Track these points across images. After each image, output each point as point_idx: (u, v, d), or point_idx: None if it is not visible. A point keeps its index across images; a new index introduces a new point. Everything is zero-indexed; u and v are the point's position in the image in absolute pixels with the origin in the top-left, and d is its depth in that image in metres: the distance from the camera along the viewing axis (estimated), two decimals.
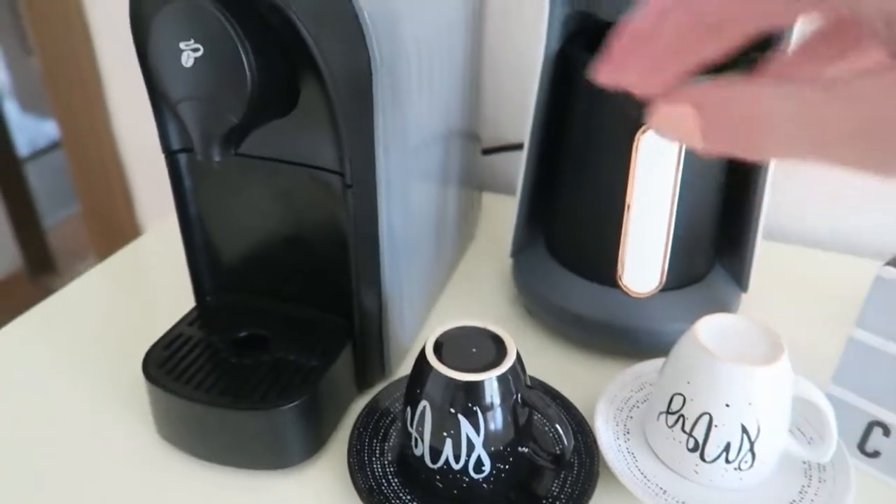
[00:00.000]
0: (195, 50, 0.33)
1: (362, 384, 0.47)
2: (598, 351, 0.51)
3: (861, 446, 0.42)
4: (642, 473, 0.40)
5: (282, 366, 0.42)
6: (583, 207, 0.48)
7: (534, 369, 0.42)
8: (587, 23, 0.49)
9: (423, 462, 0.38)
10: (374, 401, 0.44)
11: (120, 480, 0.41)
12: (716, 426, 0.37)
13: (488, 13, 0.70)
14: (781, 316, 0.54)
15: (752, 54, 0.43)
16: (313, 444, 0.42)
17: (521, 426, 0.38)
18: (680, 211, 0.43)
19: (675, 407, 0.39)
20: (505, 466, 0.37)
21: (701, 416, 0.38)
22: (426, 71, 0.44)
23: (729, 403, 0.37)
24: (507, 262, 0.61)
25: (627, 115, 0.41)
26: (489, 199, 0.73)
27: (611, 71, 0.19)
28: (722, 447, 0.37)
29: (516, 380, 0.37)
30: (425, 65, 0.44)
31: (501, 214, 0.71)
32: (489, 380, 0.36)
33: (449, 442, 0.36)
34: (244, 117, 0.34)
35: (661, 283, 0.45)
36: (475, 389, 0.36)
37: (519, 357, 0.38)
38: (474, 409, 0.36)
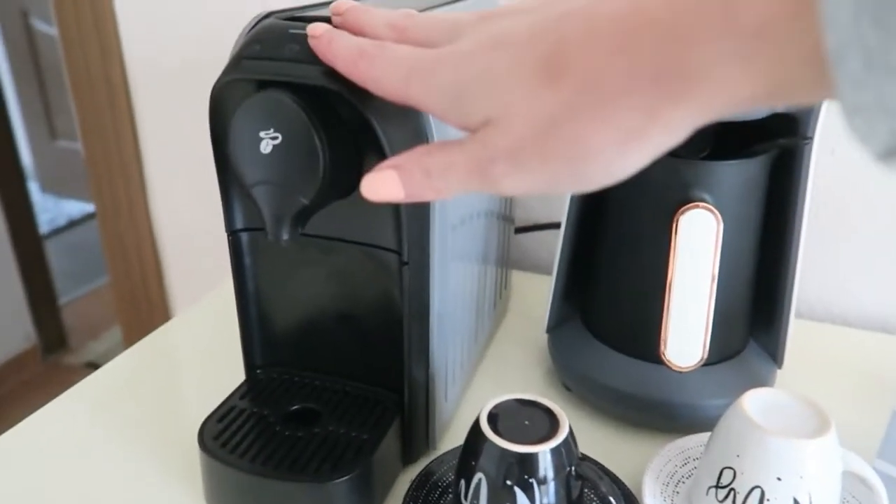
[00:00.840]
0: (274, 138, 0.35)
1: (408, 458, 0.47)
2: (637, 425, 0.52)
3: None
4: None
5: (333, 439, 0.43)
6: (623, 284, 0.50)
7: None
8: None
9: None
10: (424, 474, 0.44)
11: None
12: (768, 500, 0.38)
13: None
14: (816, 392, 0.54)
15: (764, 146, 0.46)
16: None
17: (574, 499, 0.38)
18: (718, 285, 0.45)
19: (725, 481, 0.39)
20: None
21: (752, 489, 0.38)
22: None
23: (780, 477, 0.37)
24: (540, 337, 0.62)
25: (666, 194, 0.44)
26: (517, 277, 0.75)
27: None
28: None
29: (569, 453, 0.38)
30: None
31: (530, 291, 0.72)
32: (544, 452, 0.37)
33: None
34: (314, 199, 0.36)
35: (703, 357, 0.46)
36: (531, 461, 0.37)
37: (571, 430, 0.39)
38: (530, 481, 0.37)
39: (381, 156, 0.37)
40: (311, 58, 0.35)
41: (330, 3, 0.45)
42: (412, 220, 0.40)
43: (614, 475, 0.45)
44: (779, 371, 0.53)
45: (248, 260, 0.45)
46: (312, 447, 0.42)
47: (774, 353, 0.52)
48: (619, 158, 0.24)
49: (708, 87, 0.21)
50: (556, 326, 0.57)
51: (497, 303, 0.63)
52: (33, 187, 2.85)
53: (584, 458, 0.45)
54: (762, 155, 0.46)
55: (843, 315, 0.70)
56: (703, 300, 0.44)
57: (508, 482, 0.37)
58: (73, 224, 2.97)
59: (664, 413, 0.48)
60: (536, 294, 0.72)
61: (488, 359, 0.61)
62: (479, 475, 0.38)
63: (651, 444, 0.50)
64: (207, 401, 0.47)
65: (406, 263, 0.41)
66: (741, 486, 0.39)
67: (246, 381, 0.48)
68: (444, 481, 0.44)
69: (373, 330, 0.46)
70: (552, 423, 0.39)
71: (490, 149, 0.26)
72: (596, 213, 0.52)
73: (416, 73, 0.28)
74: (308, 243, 0.44)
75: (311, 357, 0.49)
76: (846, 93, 0.17)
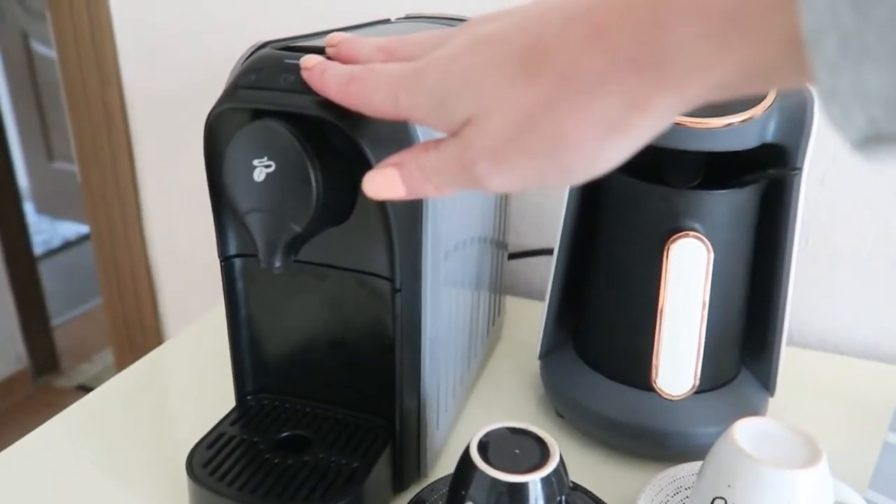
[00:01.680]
0: (267, 166, 0.36)
1: (399, 486, 0.47)
2: (629, 454, 0.51)
3: None
4: None
5: (323, 467, 0.43)
6: (614, 312, 0.50)
7: None
8: None
9: None
10: (415, 502, 0.44)
11: None
12: None
13: None
14: (809, 420, 0.55)
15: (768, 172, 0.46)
16: None
17: None
18: (709, 314, 0.45)
19: None
20: None
21: None
22: None
23: None
24: (533, 364, 0.62)
25: (657, 223, 0.44)
26: (511, 303, 0.75)
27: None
28: None
29: (560, 482, 0.38)
30: None
31: (523, 318, 0.72)
32: (534, 481, 0.37)
33: None
34: (306, 227, 0.37)
35: (694, 386, 0.46)
36: (521, 491, 0.37)
37: (562, 459, 0.39)
38: None
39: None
40: (306, 88, 0.36)
41: (324, 32, 0.46)
42: (404, 246, 0.40)
43: None
44: (771, 399, 0.53)
45: (240, 286, 0.46)
46: (302, 475, 0.42)
47: (766, 382, 0.52)
48: (602, 150, 0.24)
49: (685, 73, 0.21)
50: (549, 353, 0.57)
51: (490, 329, 0.63)
52: (29, 208, 2.85)
53: (576, 486, 0.45)
54: (752, 185, 0.47)
55: (836, 343, 0.70)
56: (694, 328, 0.44)
57: None
58: (67, 245, 2.97)
59: (656, 441, 0.48)
60: (530, 320, 0.72)
61: (481, 385, 0.61)
62: None
63: (643, 473, 0.49)
64: (198, 426, 0.47)
65: (398, 290, 0.41)
66: None
67: (236, 407, 0.48)
68: None
69: (364, 357, 0.46)
70: (543, 452, 0.39)
71: (471, 148, 0.26)
72: (588, 240, 0.52)
73: (402, 85, 0.28)
74: (300, 270, 0.44)
75: (302, 384, 0.48)
76: (822, 77, 0.17)
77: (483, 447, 0.39)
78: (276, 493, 0.41)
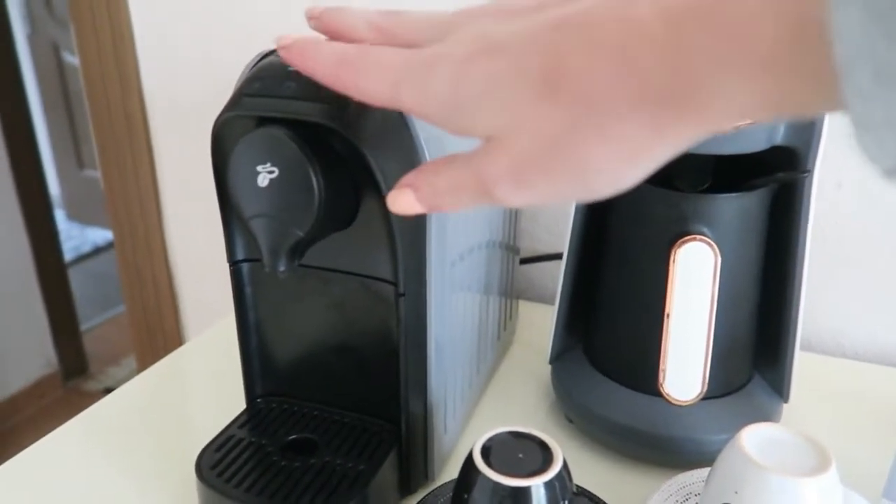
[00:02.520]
0: (270, 172, 0.36)
1: (405, 489, 0.47)
2: (638, 459, 0.51)
3: None
4: None
5: (329, 469, 0.43)
6: (622, 316, 0.50)
7: (574, 477, 0.42)
8: None
9: None
10: None
11: None
12: None
13: None
14: (822, 427, 0.54)
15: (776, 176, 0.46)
16: None
17: None
18: (719, 319, 0.45)
19: None
20: None
21: None
22: None
23: None
24: (545, 368, 0.62)
25: (665, 227, 0.44)
26: (524, 307, 0.75)
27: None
28: None
29: (563, 487, 0.38)
30: None
31: (536, 322, 0.72)
32: (537, 485, 0.37)
33: None
34: (309, 232, 0.37)
35: (702, 391, 0.45)
36: (523, 495, 0.37)
37: (565, 464, 0.38)
38: None
39: (377, 189, 0.38)
40: (309, 95, 0.36)
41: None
42: (408, 251, 0.40)
43: None
44: (785, 405, 0.52)
45: (248, 290, 0.46)
46: (308, 478, 0.42)
47: (780, 387, 0.51)
48: (627, 172, 0.24)
49: (715, 105, 0.21)
50: (559, 357, 0.56)
51: (501, 333, 0.63)
52: (59, 215, 2.91)
53: (582, 491, 0.44)
54: (761, 188, 0.46)
55: (854, 348, 0.69)
56: (702, 333, 0.44)
57: None
58: (97, 251, 3.03)
59: (666, 447, 0.48)
60: (543, 324, 0.72)
61: (492, 389, 0.61)
62: None
63: (652, 479, 0.49)
64: (210, 428, 0.47)
65: (402, 294, 0.41)
66: None
67: (245, 410, 0.49)
68: None
69: (370, 360, 0.46)
70: (546, 456, 0.39)
71: (494, 168, 0.26)
72: (597, 245, 0.52)
73: (406, 79, 0.27)
74: (306, 274, 0.44)
75: (310, 387, 0.49)
76: (855, 107, 0.17)
77: (486, 451, 0.39)
78: (283, 495, 0.41)
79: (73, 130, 2.99)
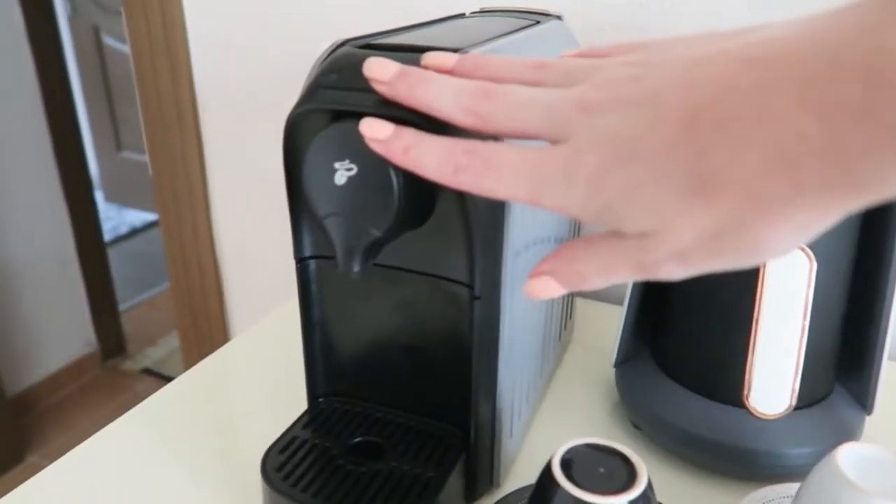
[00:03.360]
0: (349, 169, 0.35)
1: (471, 496, 0.46)
2: (712, 471, 0.49)
3: None
4: None
5: (398, 476, 0.42)
6: (702, 322, 0.47)
7: None
8: None
9: None
10: None
11: None
12: None
13: None
14: None
15: None
16: None
17: None
18: (808, 327, 0.42)
19: None
20: None
21: None
22: None
23: None
24: (606, 371, 0.60)
25: None
26: (580, 306, 0.73)
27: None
28: None
29: None
30: None
31: (594, 321, 0.70)
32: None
33: None
34: (386, 232, 0.35)
35: (790, 405, 0.43)
36: None
37: (650, 482, 0.37)
38: None
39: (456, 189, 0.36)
40: None
41: (402, 29, 0.45)
42: (485, 254, 0.39)
43: None
44: (868, 418, 0.50)
45: (314, 288, 0.45)
46: (377, 484, 0.41)
47: (864, 399, 0.49)
48: (792, 242, 0.24)
49: (883, 189, 0.21)
50: (625, 361, 0.54)
51: (562, 334, 0.61)
52: (98, 196, 2.95)
53: None
54: None
55: None
56: (793, 344, 0.41)
57: None
58: (134, 232, 3.07)
59: (745, 461, 0.45)
60: (600, 324, 0.70)
61: (553, 393, 0.59)
62: None
63: (729, 492, 0.47)
64: (267, 426, 0.46)
65: (478, 297, 0.40)
66: None
67: (308, 410, 0.48)
68: None
69: (438, 363, 0.45)
70: (629, 473, 0.37)
71: (653, 254, 0.25)
72: None
73: (541, 187, 0.26)
74: (375, 273, 0.43)
75: (373, 388, 0.48)
76: None
77: (566, 464, 0.37)
78: (351, 501, 0.40)
79: (112, 113, 3.02)
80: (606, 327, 0.62)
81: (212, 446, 0.53)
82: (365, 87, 0.35)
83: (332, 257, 0.38)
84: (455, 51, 0.35)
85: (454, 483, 0.43)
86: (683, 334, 0.50)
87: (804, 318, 0.41)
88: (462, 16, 0.57)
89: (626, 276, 0.27)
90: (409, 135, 0.30)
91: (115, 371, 2.25)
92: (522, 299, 0.45)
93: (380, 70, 0.31)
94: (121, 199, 3.19)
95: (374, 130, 0.30)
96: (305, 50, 0.41)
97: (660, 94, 0.24)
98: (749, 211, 0.22)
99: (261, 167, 0.93)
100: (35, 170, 1.93)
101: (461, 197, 0.37)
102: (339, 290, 0.45)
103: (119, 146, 3.09)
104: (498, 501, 0.44)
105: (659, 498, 0.44)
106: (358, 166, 0.34)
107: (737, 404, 0.45)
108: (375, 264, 0.42)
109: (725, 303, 0.45)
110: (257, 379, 0.62)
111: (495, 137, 0.30)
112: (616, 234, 0.27)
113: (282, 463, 0.43)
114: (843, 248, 0.45)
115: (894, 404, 0.53)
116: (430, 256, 0.41)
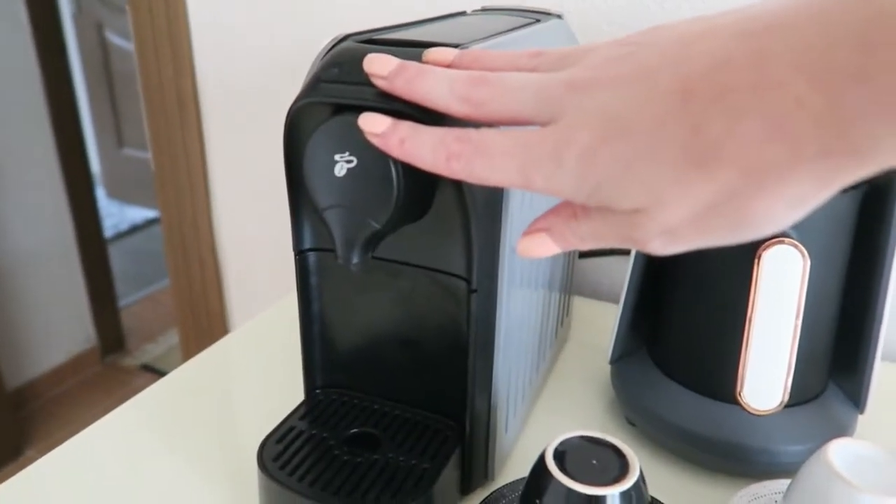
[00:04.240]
0: (349, 162, 0.35)
1: (466, 489, 0.46)
2: (705, 467, 0.49)
3: None
4: None
5: (393, 466, 0.42)
6: (697, 319, 0.48)
7: None
8: None
9: None
10: None
11: None
12: None
13: None
14: None
15: None
16: None
17: None
18: (801, 325, 0.43)
19: None
20: None
21: None
22: None
23: None
24: (601, 368, 0.61)
25: None
26: (577, 303, 0.73)
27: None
28: None
29: (639, 497, 0.36)
30: None
31: (589, 319, 0.71)
32: (613, 495, 0.35)
33: None
34: (386, 224, 0.36)
35: (783, 401, 0.43)
36: None
37: (642, 473, 0.37)
38: None
39: (453, 181, 0.37)
40: None
41: (405, 25, 0.45)
42: (483, 248, 0.39)
43: None
44: (860, 416, 0.50)
45: (313, 280, 0.45)
46: (373, 474, 0.42)
47: (856, 397, 0.49)
48: (787, 218, 0.24)
49: (879, 156, 0.21)
50: (621, 358, 0.55)
51: (559, 330, 0.61)
52: (100, 193, 2.96)
53: (654, 502, 0.43)
54: (852, 190, 0.44)
55: None
56: (787, 341, 0.42)
57: None
58: (135, 229, 3.07)
59: (738, 457, 0.46)
60: (597, 321, 0.70)
61: (549, 389, 0.60)
62: None
63: (721, 488, 0.47)
64: (264, 417, 0.47)
65: (475, 291, 0.40)
66: None
67: (305, 401, 0.48)
68: None
69: (435, 356, 0.45)
70: (622, 465, 0.37)
71: (643, 230, 0.25)
72: None
73: (532, 167, 0.26)
74: (375, 266, 0.43)
75: (371, 380, 0.48)
76: None
77: (559, 456, 0.38)
78: (347, 491, 0.40)
79: (115, 109, 3.02)
80: (602, 325, 0.62)
81: (209, 436, 0.53)
82: (365, 81, 0.35)
83: (331, 250, 0.38)
84: (455, 47, 0.36)
85: (449, 475, 0.44)
86: (678, 331, 0.50)
87: (798, 316, 0.41)
88: (463, 13, 0.57)
89: (616, 243, 0.28)
90: (405, 128, 0.30)
91: (114, 367, 2.25)
92: (519, 294, 0.45)
93: (380, 65, 0.32)
94: (122, 195, 3.20)
95: (372, 125, 0.31)
96: (307, 45, 0.42)
97: (652, 70, 0.24)
98: (746, 182, 0.22)
99: (261, 161, 0.93)
100: (37, 166, 1.93)
101: (459, 190, 0.37)
102: (338, 282, 0.46)
103: (121, 143, 3.10)
104: (492, 493, 0.45)
105: (652, 493, 0.45)
106: (358, 159, 0.35)
107: (730, 401, 0.45)
108: (374, 257, 0.42)
109: (720, 300, 0.46)
110: (255, 370, 0.63)
111: (491, 126, 0.31)
112: (609, 208, 0.27)
113: (278, 453, 0.43)
114: (837, 247, 0.45)
115: (887, 403, 0.54)
116: (427, 250, 0.42)
